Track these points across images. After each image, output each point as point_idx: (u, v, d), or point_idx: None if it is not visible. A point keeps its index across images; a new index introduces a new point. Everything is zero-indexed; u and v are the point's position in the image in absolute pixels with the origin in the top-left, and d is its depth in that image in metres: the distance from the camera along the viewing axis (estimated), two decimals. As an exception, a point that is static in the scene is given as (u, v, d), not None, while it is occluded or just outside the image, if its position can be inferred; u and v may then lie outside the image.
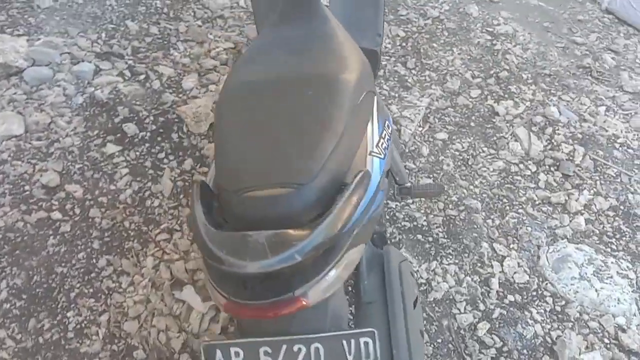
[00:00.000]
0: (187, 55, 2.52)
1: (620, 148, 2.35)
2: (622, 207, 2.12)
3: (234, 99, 1.09)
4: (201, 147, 2.13)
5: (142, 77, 2.35)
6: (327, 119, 1.00)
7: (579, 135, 2.38)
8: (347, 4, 1.74)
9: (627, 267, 1.90)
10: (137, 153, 2.06)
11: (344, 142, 0.99)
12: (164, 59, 2.46)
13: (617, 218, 2.08)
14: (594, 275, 1.84)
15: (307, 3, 1.36)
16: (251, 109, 1.05)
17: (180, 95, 2.31)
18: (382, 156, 1.15)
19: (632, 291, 1.83)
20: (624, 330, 1.71)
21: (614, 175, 2.23)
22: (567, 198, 2.11)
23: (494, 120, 2.43)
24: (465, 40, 2.86)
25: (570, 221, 2.03)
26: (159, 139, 2.13)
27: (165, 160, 2.06)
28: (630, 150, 2.35)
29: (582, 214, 2.07)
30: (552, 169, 2.24)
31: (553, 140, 2.35)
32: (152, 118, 2.18)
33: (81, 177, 1.94)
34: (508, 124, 2.41)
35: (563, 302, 1.78)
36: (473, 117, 2.43)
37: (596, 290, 1.79)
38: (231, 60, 2.51)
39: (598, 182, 2.20)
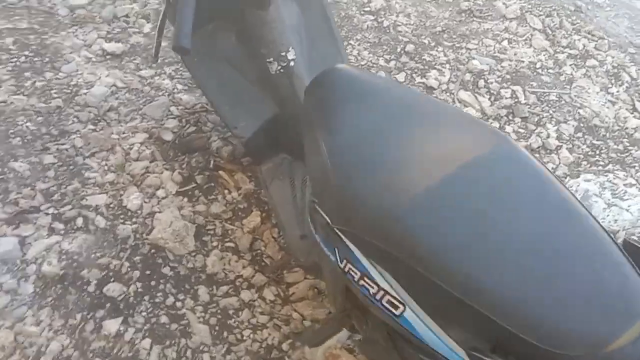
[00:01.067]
0: (107, 170, 2.01)
1: (543, 72, 2.43)
2: (582, 125, 2.20)
3: (439, 227, 0.81)
4: (202, 267, 1.74)
5: (79, 221, 1.82)
6: (574, 205, 0.85)
7: (508, 76, 2.40)
8: (305, 45, 1.51)
9: (624, 175, 1.99)
10: (144, 314, 1.61)
11: None
12: (85, 188, 1.94)
13: (586, 136, 2.15)
14: (614, 197, 1.89)
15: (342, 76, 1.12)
16: (482, 231, 0.81)
17: (136, 220, 1.85)
18: None
19: (645, 195, 1.92)
20: (667, 234, 1.80)
21: (557, 99, 2.30)
22: (540, 138, 2.13)
23: (434, 95, 2.34)
24: (355, 29, 2.70)
25: (560, 158, 2.06)
26: (152, 283, 1.69)
27: (179, 304, 1.65)
28: (551, 71, 2.44)
29: (561, 147, 2.10)
30: (510, 117, 2.24)
31: (491, 91, 2.34)
32: (128, 264, 1.72)
33: (105, 381, 1.47)
34: (448, 94, 2.34)
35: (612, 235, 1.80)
36: (417, 101, 2.32)
37: (627, 210, 1.85)
38: (158, 152, 2.07)
39: (550, 111, 2.25)
